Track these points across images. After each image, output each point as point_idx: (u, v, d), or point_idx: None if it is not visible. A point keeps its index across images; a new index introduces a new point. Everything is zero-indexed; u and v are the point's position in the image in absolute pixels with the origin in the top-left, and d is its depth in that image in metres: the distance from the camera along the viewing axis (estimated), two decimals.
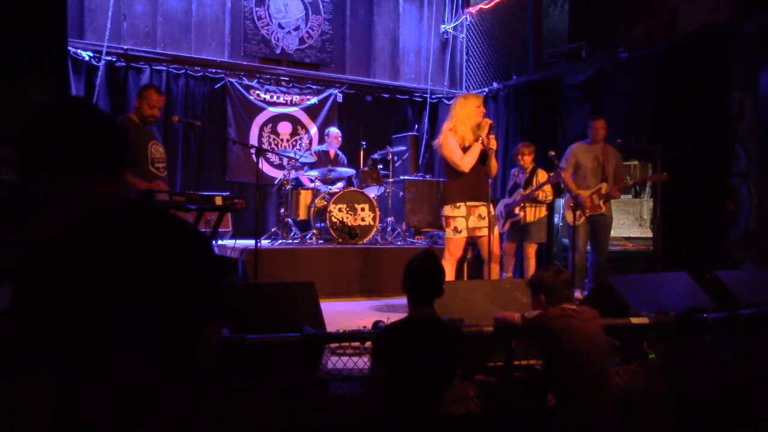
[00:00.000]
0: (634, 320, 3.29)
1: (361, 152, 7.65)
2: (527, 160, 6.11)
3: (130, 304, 1.16)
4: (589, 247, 5.97)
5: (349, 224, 6.72)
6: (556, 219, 7.48)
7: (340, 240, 6.63)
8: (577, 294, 4.95)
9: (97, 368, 1.14)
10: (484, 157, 4.56)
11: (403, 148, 8.15)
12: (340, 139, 7.72)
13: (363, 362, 2.98)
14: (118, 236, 1.21)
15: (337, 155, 7.64)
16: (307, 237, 6.91)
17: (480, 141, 4.53)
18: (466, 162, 4.54)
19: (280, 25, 8.62)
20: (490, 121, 4.63)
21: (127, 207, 1.28)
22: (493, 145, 4.57)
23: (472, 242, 5.15)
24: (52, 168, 1.23)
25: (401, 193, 7.77)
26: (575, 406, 2.59)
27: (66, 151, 1.23)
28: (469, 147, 4.56)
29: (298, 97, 8.64)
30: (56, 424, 1.12)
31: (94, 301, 1.12)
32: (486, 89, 8.77)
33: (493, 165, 4.64)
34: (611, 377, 2.97)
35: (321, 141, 8.33)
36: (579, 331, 2.65)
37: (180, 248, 1.29)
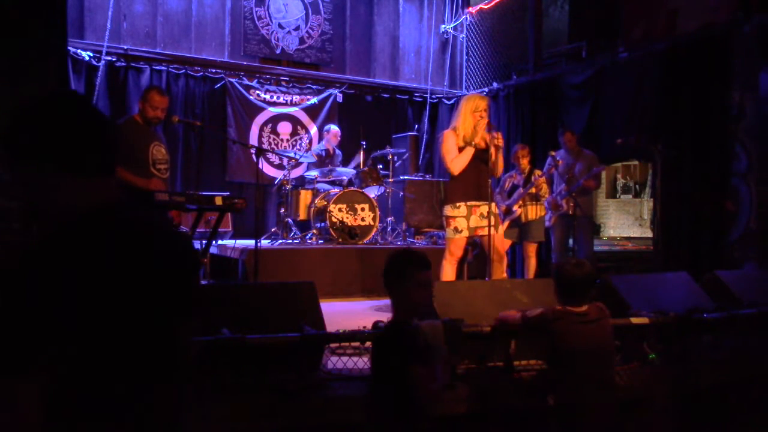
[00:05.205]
0: (634, 320, 3.29)
1: (361, 152, 7.65)
2: (525, 162, 6.20)
3: (111, 306, 1.16)
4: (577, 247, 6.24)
5: (349, 224, 6.72)
6: None
7: (340, 240, 6.63)
8: None
9: (76, 369, 1.14)
10: (486, 156, 4.53)
11: (403, 149, 8.15)
12: (339, 136, 7.74)
13: (363, 362, 2.98)
14: (101, 239, 1.20)
15: (334, 151, 7.66)
16: (307, 237, 6.91)
17: (473, 145, 4.51)
18: (455, 164, 4.54)
19: (280, 25, 8.62)
20: (487, 122, 4.62)
21: (112, 210, 1.27)
22: (498, 142, 4.50)
23: (473, 242, 5.14)
24: (38, 162, 1.21)
25: (401, 193, 7.77)
26: (573, 408, 2.58)
27: (54, 144, 1.21)
28: (468, 146, 4.54)
29: (298, 97, 8.64)
30: (42, 426, 1.12)
31: (74, 303, 1.12)
32: (486, 89, 8.76)
33: (499, 164, 4.62)
34: (614, 379, 2.95)
35: (321, 140, 8.34)
36: (581, 333, 2.61)
37: (158, 251, 1.28)
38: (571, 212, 6.09)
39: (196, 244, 5.49)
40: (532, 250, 6.17)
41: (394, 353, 2.27)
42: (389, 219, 7.37)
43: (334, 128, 7.78)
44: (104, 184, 1.28)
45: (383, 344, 2.37)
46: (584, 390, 2.56)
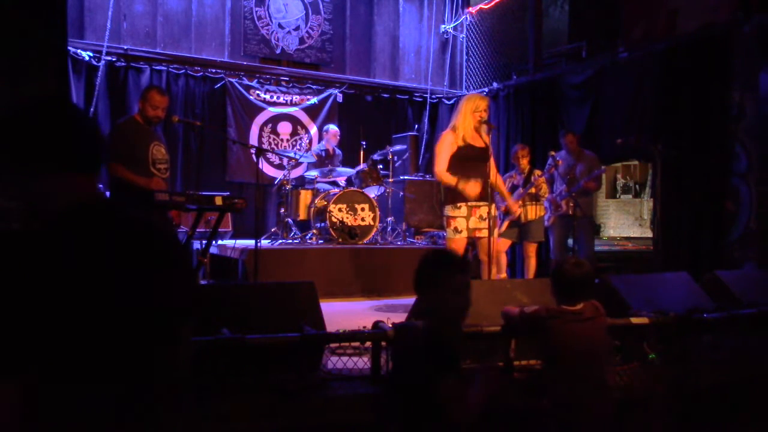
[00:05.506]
0: (634, 320, 3.29)
1: (361, 152, 7.65)
2: (525, 162, 6.21)
3: (110, 306, 1.16)
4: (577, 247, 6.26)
5: (349, 224, 6.72)
6: None
7: (340, 240, 6.64)
8: None
9: (66, 371, 1.14)
10: (486, 156, 4.53)
11: (403, 148, 8.15)
12: (338, 136, 7.75)
13: (363, 362, 2.98)
14: (101, 239, 1.20)
15: (334, 151, 7.68)
16: (307, 237, 6.92)
17: (464, 191, 4.46)
18: (439, 174, 4.57)
19: (280, 25, 8.62)
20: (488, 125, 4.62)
21: (98, 207, 1.28)
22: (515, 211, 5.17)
23: (471, 243, 5.14)
24: (38, 162, 1.22)
25: (401, 193, 7.77)
26: (567, 408, 2.57)
27: (53, 144, 1.23)
28: (467, 145, 4.54)
29: (298, 97, 8.64)
30: (40, 426, 1.11)
31: (73, 302, 1.12)
32: (486, 89, 8.76)
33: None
34: (610, 378, 2.94)
35: (321, 140, 8.35)
36: (575, 332, 2.60)
37: (150, 250, 1.28)
38: (571, 213, 6.10)
39: (196, 244, 5.49)
40: (532, 250, 6.18)
41: (423, 363, 2.10)
42: (389, 219, 7.37)
43: (333, 128, 7.80)
44: (94, 180, 1.31)
45: (413, 351, 2.22)
46: (578, 388, 2.55)
